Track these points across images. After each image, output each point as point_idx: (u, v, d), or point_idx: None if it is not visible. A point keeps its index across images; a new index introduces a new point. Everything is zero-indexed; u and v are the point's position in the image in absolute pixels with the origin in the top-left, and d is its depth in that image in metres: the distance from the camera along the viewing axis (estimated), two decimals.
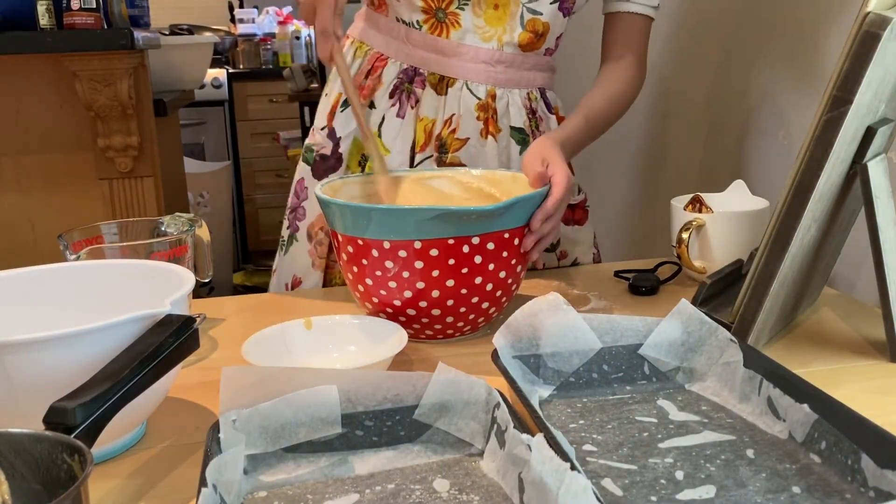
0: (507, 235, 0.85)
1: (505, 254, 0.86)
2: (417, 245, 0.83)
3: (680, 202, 1.08)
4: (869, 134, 0.78)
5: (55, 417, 0.52)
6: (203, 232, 0.92)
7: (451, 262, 0.83)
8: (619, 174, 1.83)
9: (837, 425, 0.59)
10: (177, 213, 1.12)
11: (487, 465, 0.62)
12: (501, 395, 0.64)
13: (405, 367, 0.83)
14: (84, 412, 0.53)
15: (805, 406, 0.62)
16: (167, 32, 3.18)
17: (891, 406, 0.73)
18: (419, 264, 0.83)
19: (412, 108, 1.10)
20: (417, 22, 1.08)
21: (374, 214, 0.83)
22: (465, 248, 0.83)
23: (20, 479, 0.48)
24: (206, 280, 0.94)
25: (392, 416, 0.64)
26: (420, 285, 0.85)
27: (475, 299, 0.87)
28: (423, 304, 0.86)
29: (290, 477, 0.61)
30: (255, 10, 4.59)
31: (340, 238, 0.88)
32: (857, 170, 0.79)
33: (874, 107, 0.77)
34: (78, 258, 0.83)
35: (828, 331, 0.90)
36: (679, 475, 0.60)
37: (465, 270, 0.84)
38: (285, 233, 1.21)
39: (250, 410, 0.61)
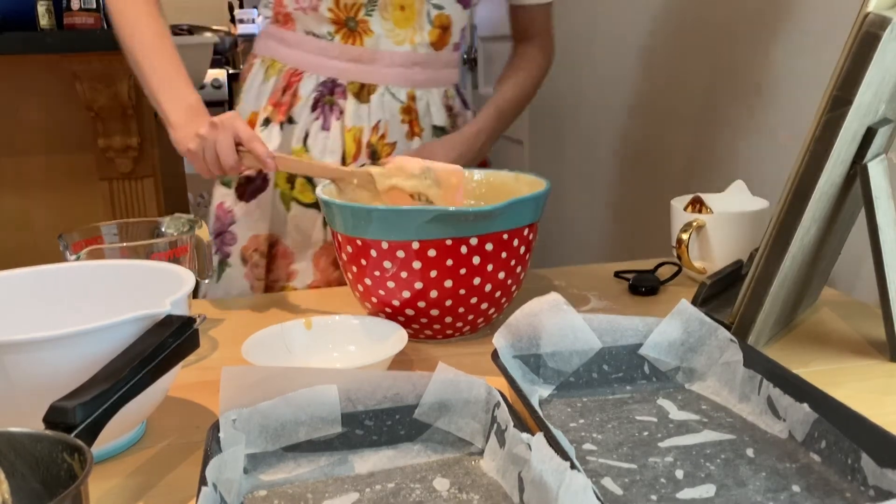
0: (506, 237, 0.85)
1: (504, 255, 0.86)
2: (416, 245, 0.83)
3: (680, 202, 1.08)
4: (869, 134, 0.78)
5: (55, 417, 0.52)
6: (203, 232, 0.92)
7: (450, 262, 0.83)
8: (619, 174, 1.83)
9: (837, 425, 0.59)
10: (177, 214, 1.11)
11: (487, 464, 0.62)
12: (501, 394, 0.64)
13: (405, 367, 0.83)
14: (84, 412, 0.53)
15: (805, 405, 0.62)
16: None
17: (891, 406, 0.73)
18: (417, 265, 0.84)
19: (337, 119, 1.11)
20: (329, 34, 1.09)
21: (373, 215, 0.83)
22: (464, 249, 0.83)
23: (20, 479, 0.48)
24: (206, 280, 0.94)
25: (392, 415, 0.64)
26: (418, 286, 0.85)
27: (474, 300, 0.87)
28: (421, 304, 0.86)
29: (290, 476, 0.61)
30: (255, 10, 4.59)
31: (340, 238, 0.88)
32: (857, 170, 0.79)
33: (874, 107, 0.77)
34: (78, 258, 0.83)
35: (828, 331, 0.90)
36: (679, 474, 0.60)
37: (463, 271, 0.84)
38: (214, 259, 1.19)
39: (250, 410, 0.61)
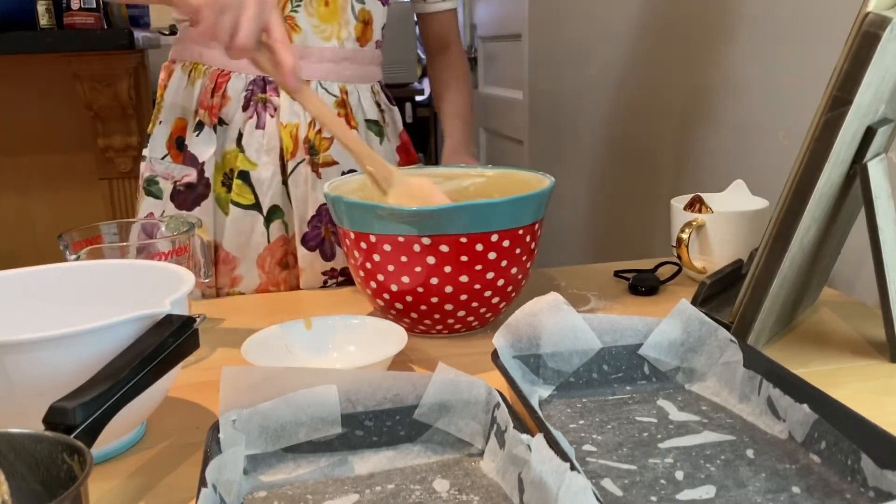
0: (521, 232, 0.86)
1: (518, 250, 0.86)
2: (426, 241, 0.83)
3: (680, 202, 1.08)
4: (869, 134, 0.78)
5: (55, 417, 0.52)
6: (203, 232, 0.92)
7: (465, 258, 0.84)
8: (619, 174, 1.83)
9: (837, 425, 0.59)
10: (177, 214, 1.12)
11: (487, 465, 0.62)
12: (501, 395, 0.64)
13: (405, 367, 0.83)
14: (84, 412, 0.53)
15: (805, 406, 0.62)
16: (167, 32, 3.18)
17: (891, 406, 0.73)
18: (431, 259, 0.84)
19: (272, 116, 1.10)
20: None
21: (378, 212, 0.84)
22: (480, 246, 0.84)
23: (20, 479, 0.48)
24: (206, 280, 0.94)
25: (392, 416, 0.64)
26: (434, 280, 0.85)
27: (488, 293, 0.87)
28: (434, 299, 0.86)
29: (290, 477, 0.61)
30: None
31: (353, 235, 0.88)
32: (857, 170, 0.79)
33: (874, 107, 0.77)
34: (78, 258, 0.83)
35: (828, 331, 0.90)
36: (679, 475, 0.60)
37: (479, 267, 0.85)
38: None
39: (250, 410, 0.61)
